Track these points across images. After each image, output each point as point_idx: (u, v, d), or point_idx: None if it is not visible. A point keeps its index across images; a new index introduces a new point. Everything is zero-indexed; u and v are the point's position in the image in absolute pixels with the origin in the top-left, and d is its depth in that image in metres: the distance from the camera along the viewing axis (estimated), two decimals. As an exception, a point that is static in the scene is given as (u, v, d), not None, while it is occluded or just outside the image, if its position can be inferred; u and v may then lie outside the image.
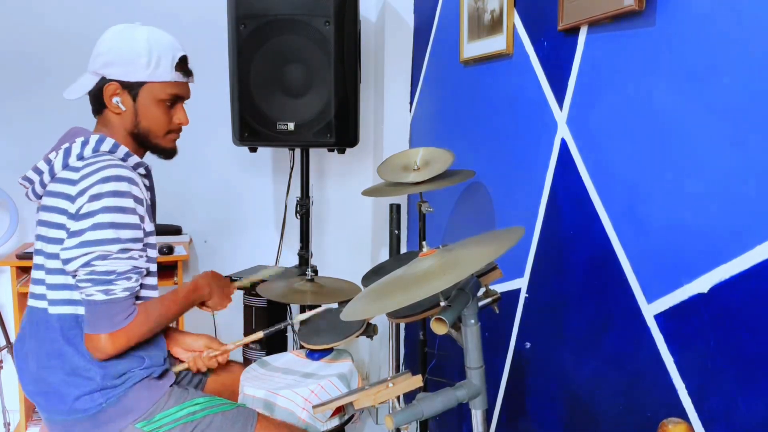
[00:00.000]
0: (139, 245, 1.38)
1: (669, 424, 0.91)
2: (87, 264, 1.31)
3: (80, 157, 1.38)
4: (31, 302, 1.45)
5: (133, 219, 1.36)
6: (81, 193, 1.34)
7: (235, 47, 2.41)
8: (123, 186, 1.34)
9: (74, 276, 1.35)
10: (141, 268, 1.39)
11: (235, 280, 2.45)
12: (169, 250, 2.60)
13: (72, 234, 1.33)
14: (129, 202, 1.35)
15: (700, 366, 1.11)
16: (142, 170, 1.46)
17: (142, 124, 1.47)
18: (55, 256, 1.37)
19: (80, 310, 1.38)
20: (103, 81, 1.44)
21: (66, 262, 1.33)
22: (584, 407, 1.49)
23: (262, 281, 1.99)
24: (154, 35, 1.45)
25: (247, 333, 2.57)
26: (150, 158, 1.55)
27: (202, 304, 1.61)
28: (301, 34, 2.37)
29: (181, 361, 1.59)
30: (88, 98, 1.49)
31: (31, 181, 1.43)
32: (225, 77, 2.50)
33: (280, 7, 2.36)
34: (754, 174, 0.99)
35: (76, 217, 1.33)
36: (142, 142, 1.50)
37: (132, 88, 1.44)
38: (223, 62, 2.50)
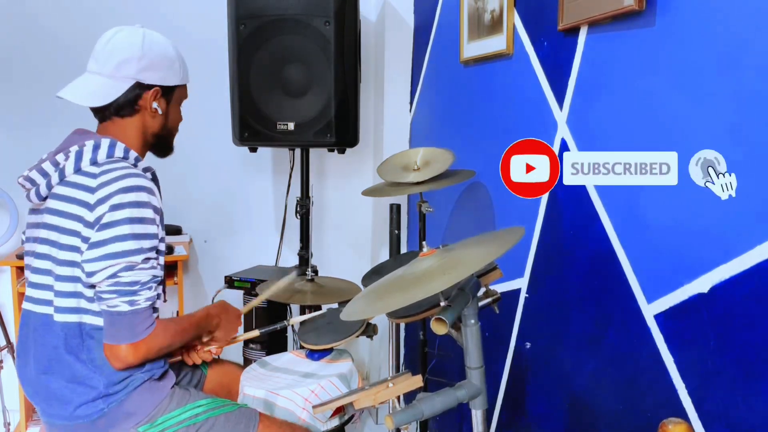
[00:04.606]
0: (155, 253, 1.39)
1: (669, 424, 0.91)
2: (113, 275, 1.31)
3: (94, 162, 1.37)
4: (30, 306, 1.43)
5: (152, 229, 1.36)
6: (101, 201, 1.33)
7: (235, 47, 2.41)
8: (144, 196, 1.35)
9: (93, 287, 1.34)
10: (158, 277, 1.39)
11: (237, 281, 2.45)
12: (169, 250, 2.59)
13: (93, 244, 1.32)
14: (149, 213, 1.35)
15: (700, 366, 1.11)
16: (149, 175, 1.46)
17: (169, 125, 1.54)
18: (67, 263, 1.36)
19: (85, 318, 1.37)
20: (140, 86, 1.44)
21: (90, 274, 1.32)
22: (584, 407, 1.49)
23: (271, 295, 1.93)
24: (168, 40, 1.52)
25: (245, 332, 2.57)
26: (149, 158, 1.55)
27: (210, 332, 1.60)
28: (301, 34, 2.36)
29: (173, 354, 1.59)
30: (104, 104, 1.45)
31: (34, 183, 1.41)
32: (225, 77, 2.50)
33: (280, 7, 2.36)
34: (754, 174, 1.00)
35: (95, 225, 1.32)
36: (161, 142, 1.54)
37: (168, 92, 1.51)
38: (223, 62, 2.50)
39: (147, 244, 1.35)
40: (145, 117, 1.47)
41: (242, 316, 1.70)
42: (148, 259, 1.35)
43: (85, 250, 1.32)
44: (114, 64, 1.42)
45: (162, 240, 1.42)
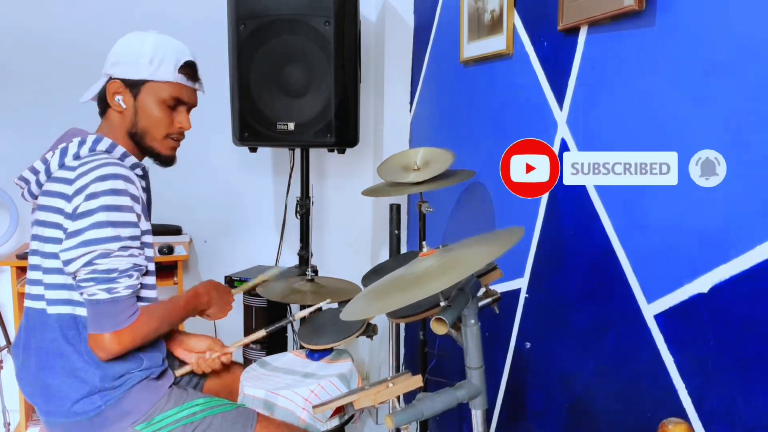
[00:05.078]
0: (137, 243, 1.38)
1: (669, 424, 0.91)
2: (89, 263, 1.31)
3: (76, 156, 1.39)
4: (28, 303, 1.44)
5: (131, 217, 1.36)
6: (78, 191, 1.33)
7: (235, 47, 2.41)
8: (120, 184, 1.34)
9: (74, 277, 1.34)
10: (141, 266, 1.39)
11: (237, 283, 2.45)
12: (169, 250, 2.60)
13: (70, 234, 1.32)
14: (126, 200, 1.35)
15: (700, 366, 1.11)
16: (139, 171, 1.47)
17: (140, 123, 1.47)
18: (52, 256, 1.36)
19: (78, 311, 1.38)
20: (109, 80, 1.46)
21: (67, 263, 1.32)
22: (584, 407, 1.49)
23: (264, 281, 1.99)
24: (163, 39, 1.48)
25: (247, 333, 2.57)
26: (149, 160, 1.55)
27: (202, 312, 1.61)
28: (301, 34, 2.37)
29: (184, 363, 1.59)
30: (97, 102, 1.52)
31: (27, 181, 1.43)
32: (225, 77, 2.50)
33: (280, 7, 2.36)
34: (755, 174, 1.00)
35: (73, 216, 1.33)
36: (138, 143, 1.49)
37: (133, 86, 1.45)
38: (223, 62, 2.50)
39: (125, 232, 1.34)
40: (115, 112, 1.48)
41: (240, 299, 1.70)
42: (127, 247, 1.34)
43: (64, 240, 1.33)
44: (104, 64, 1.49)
45: (146, 232, 1.42)
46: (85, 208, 1.32)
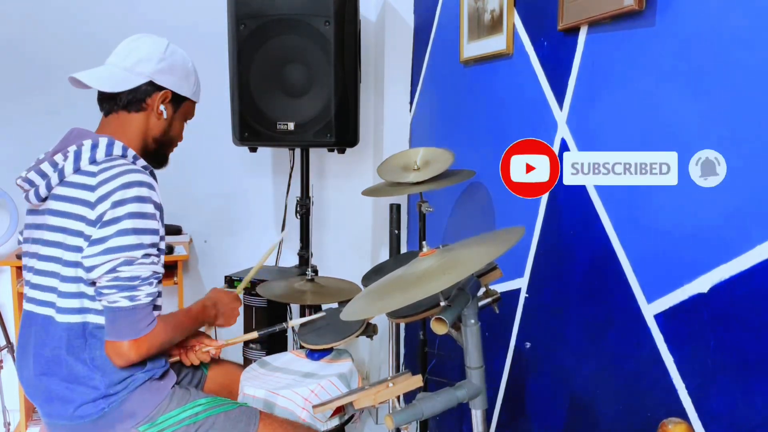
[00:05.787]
0: (156, 250, 1.39)
1: (669, 424, 0.91)
2: (112, 270, 1.31)
3: (93, 161, 1.37)
4: (31, 307, 1.43)
5: (154, 224, 1.37)
6: (102, 199, 1.33)
7: (235, 47, 2.41)
8: (144, 191, 1.35)
9: (94, 284, 1.34)
10: (159, 273, 1.39)
11: (237, 283, 2.46)
12: (169, 250, 2.59)
13: (94, 242, 1.32)
14: (150, 208, 1.36)
15: (700, 366, 1.11)
16: (147, 171, 1.46)
17: (169, 134, 1.55)
18: (72, 264, 1.35)
19: (89, 318, 1.37)
20: (153, 86, 1.47)
21: (89, 269, 1.32)
22: (584, 407, 1.49)
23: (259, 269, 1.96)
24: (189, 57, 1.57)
25: (246, 333, 2.57)
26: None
27: (211, 324, 1.63)
28: (301, 34, 2.37)
29: (172, 355, 1.59)
30: (114, 94, 1.46)
31: (33, 184, 1.41)
32: (225, 77, 2.50)
33: (280, 7, 2.36)
34: (755, 174, 1.00)
35: (97, 223, 1.32)
36: (157, 149, 1.54)
37: (178, 101, 1.53)
38: (223, 62, 2.50)
39: (147, 239, 1.35)
40: (150, 117, 1.49)
41: (241, 296, 1.71)
42: (149, 255, 1.35)
43: (86, 247, 1.33)
44: (133, 60, 1.46)
45: (162, 238, 1.43)
46: (112, 216, 1.32)
